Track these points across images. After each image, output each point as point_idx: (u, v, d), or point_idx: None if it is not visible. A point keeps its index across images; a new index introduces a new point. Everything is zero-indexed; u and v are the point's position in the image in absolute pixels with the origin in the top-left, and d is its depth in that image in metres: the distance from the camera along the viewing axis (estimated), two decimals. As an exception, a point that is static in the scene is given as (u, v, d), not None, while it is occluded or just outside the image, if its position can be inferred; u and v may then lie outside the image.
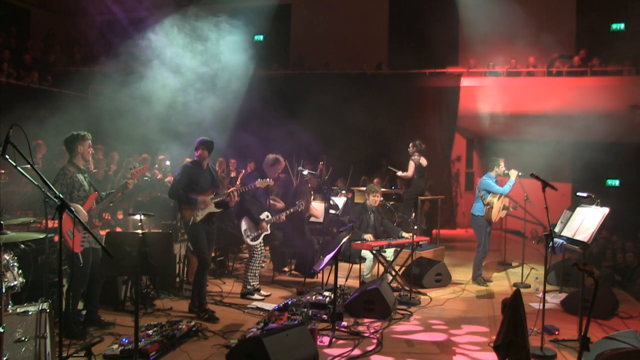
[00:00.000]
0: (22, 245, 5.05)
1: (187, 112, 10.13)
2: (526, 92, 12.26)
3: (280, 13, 15.65)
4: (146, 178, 8.19)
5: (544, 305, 4.97)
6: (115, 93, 10.44)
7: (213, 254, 7.76)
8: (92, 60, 15.39)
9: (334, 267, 5.65)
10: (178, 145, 10.56)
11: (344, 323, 5.56)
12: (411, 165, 9.50)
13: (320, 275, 7.00)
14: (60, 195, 3.36)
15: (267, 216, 6.63)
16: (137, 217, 5.11)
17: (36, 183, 3.33)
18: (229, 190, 6.11)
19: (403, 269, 7.60)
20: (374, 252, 6.88)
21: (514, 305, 3.96)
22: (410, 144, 9.57)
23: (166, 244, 4.35)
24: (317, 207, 8.22)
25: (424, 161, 9.55)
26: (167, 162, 10.43)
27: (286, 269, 8.24)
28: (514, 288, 5.10)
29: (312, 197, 8.38)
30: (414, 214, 7.63)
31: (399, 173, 9.74)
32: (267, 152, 6.86)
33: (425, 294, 6.93)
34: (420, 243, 7.43)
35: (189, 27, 10.07)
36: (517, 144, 10.14)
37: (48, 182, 3.36)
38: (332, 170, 11.39)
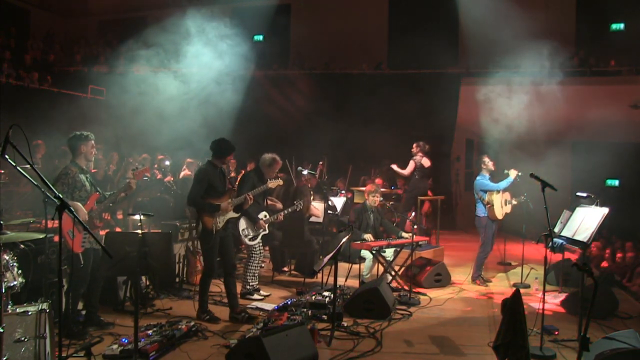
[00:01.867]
0: (22, 246, 5.06)
1: (187, 111, 10.13)
2: (526, 92, 12.25)
3: (280, 13, 15.65)
4: (146, 178, 8.19)
5: (543, 305, 4.98)
6: (116, 93, 10.46)
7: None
8: (92, 60, 15.41)
9: (333, 267, 5.65)
10: (178, 145, 10.56)
11: (344, 323, 5.57)
12: (410, 165, 9.47)
13: (319, 275, 7.00)
14: (61, 195, 3.36)
15: (265, 216, 6.62)
16: (137, 217, 5.12)
17: (36, 183, 3.33)
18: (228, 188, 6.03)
19: (403, 269, 7.60)
20: (374, 252, 6.88)
21: (513, 305, 3.97)
22: (414, 144, 9.55)
23: (166, 244, 4.36)
24: (318, 206, 8.22)
25: (426, 162, 9.50)
26: (167, 162, 10.44)
27: (286, 269, 8.24)
28: (514, 288, 5.09)
29: (312, 197, 8.37)
30: (413, 214, 7.62)
31: (397, 168, 9.66)
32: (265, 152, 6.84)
33: (424, 294, 6.93)
34: (420, 243, 7.43)
35: (189, 27, 10.07)
36: (516, 143, 10.13)
37: (48, 182, 3.36)
38: (326, 169, 11.35)
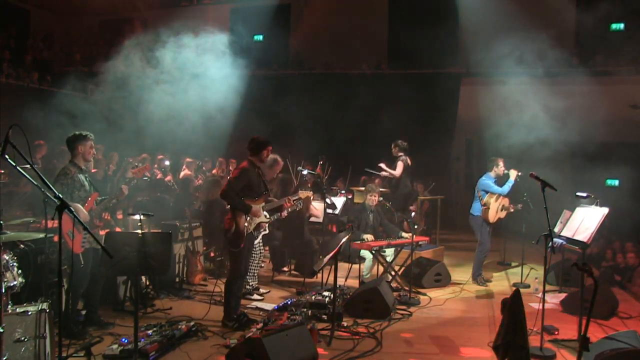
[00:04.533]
0: (22, 246, 5.05)
1: (186, 111, 10.12)
2: (526, 92, 12.26)
3: (280, 13, 15.64)
4: (146, 178, 8.17)
5: (543, 305, 4.97)
6: (116, 93, 10.44)
7: (212, 254, 7.78)
8: (92, 60, 15.40)
9: (333, 267, 5.65)
10: (178, 145, 10.54)
11: (344, 323, 5.56)
12: (399, 165, 9.29)
13: (319, 275, 7.00)
14: (60, 195, 3.36)
15: (265, 216, 6.61)
16: (137, 217, 5.11)
17: (36, 183, 3.33)
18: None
19: (403, 269, 7.60)
20: (374, 252, 6.88)
21: (513, 305, 3.97)
22: (393, 145, 9.37)
23: (166, 244, 4.34)
24: (317, 206, 8.22)
25: (409, 160, 9.41)
26: (167, 162, 10.43)
27: (286, 268, 8.24)
28: (514, 288, 5.09)
29: (312, 197, 8.35)
30: (414, 214, 7.60)
31: (385, 172, 9.56)
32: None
33: (424, 294, 6.93)
34: (420, 243, 7.43)
35: (188, 27, 10.06)
36: (516, 144, 10.12)
37: (48, 182, 3.36)
38: (327, 168, 11.32)
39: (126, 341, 4.59)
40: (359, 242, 6.93)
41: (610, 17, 13.31)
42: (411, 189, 9.71)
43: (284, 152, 7.26)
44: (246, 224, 5.48)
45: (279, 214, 6.74)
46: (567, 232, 6.36)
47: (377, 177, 10.17)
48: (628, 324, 5.86)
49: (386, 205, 7.65)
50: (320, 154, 11.37)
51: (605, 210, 5.91)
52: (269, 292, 6.82)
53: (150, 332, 4.83)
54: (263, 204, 5.70)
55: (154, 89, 9.86)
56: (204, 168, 11.54)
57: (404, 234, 7.25)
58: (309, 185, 8.86)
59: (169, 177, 9.85)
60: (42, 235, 3.98)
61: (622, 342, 4.14)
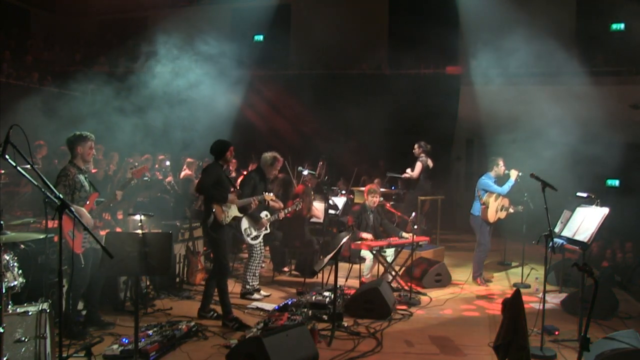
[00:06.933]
0: (22, 246, 5.05)
1: (186, 112, 10.13)
2: (526, 92, 12.26)
3: (280, 13, 15.65)
4: (146, 178, 8.18)
5: (544, 305, 4.98)
6: (115, 93, 10.46)
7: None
8: (92, 60, 15.41)
9: (334, 267, 5.65)
10: (177, 145, 10.55)
11: (344, 323, 5.56)
12: (418, 166, 9.35)
13: (320, 275, 7.01)
14: (61, 195, 3.35)
15: (266, 215, 6.63)
16: (137, 217, 5.12)
17: (36, 183, 3.33)
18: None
19: (403, 269, 7.60)
20: (374, 252, 6.88)
21: (514, 305, 3.97)
22: (416, 145, 9.46)
23: (166, 244, 4.34)
24: (319, 207, 8.22)
25: (430, 162, 9.45)
26: (167, 163, 10.44)
27: (286, 269, 8.24)
28: (514, 288, 5.09)
29: (313, 198, 8.36)
30: (414, 214, 7.60)
31: (406, 174, 9.57)
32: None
33: (425, 294, 6.93)
34: (420, 243, 7.43)
35: (188, 27, 10.08)
36: (516, 144, 10.12)
37: (48, 182, 3.36)
38: (326, 169, 11.33)
39: (126, 341, 4.59)
40: (359, 242, 6.93)
41: (610, 17, 13.33)
42: (428, 191, 9.73)
43: (283, 153, 7.24)
44: (223, 216, 5.60)
45: (276, 215, 6.77)
46: (567, 233, 6.35)
47: (396, 178, 10.12)
48: (628, 324, 5.85)
49: (386, 205, 7.66)
50: (319, 154, 11.39)
51: (605, 211, 5.90)
52: (269, 295, 6.80)
53: (150, 332, 4.83)
54: (235, 195, 5.85)
55: (154, 90, 9.88)
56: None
57: (404, 234, 7.25)
58: (310, 185, 8.87)
59: (169, 178, 9.85)
60: (42, 236, 3.99)
61: (622, 342, 4.14)
